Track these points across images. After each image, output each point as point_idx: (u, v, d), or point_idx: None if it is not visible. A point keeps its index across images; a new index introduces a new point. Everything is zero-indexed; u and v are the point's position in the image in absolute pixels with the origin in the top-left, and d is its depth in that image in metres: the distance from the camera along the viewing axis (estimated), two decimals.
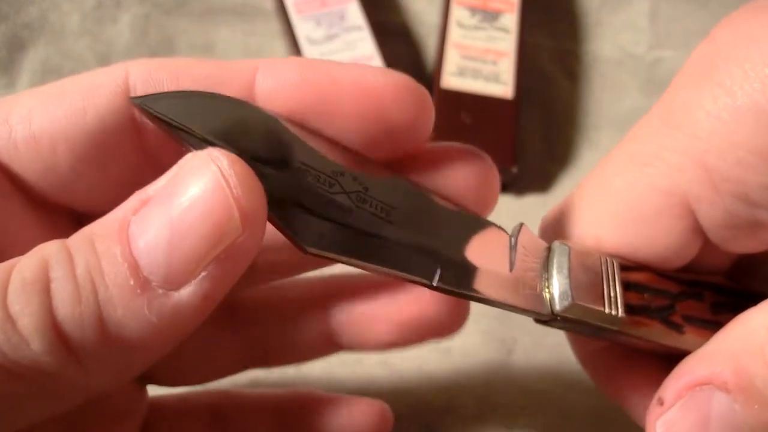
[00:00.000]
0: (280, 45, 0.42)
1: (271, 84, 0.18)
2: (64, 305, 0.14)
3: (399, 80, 0.18)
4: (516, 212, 0.38)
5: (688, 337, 0.20)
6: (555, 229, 0.22)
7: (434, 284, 0.18)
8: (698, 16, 0.46)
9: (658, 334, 0.20)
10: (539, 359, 0.33)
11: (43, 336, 0.14)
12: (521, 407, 0.31)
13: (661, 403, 0.19)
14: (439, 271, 0.18)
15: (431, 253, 0.19)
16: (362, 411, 0.24)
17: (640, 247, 0.20)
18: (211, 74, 0.18)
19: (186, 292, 0.15)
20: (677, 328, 0.20)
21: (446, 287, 0.19)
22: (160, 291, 0.15)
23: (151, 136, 0.18)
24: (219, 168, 0.15)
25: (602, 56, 0.45)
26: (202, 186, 0.15)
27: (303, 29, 0.40)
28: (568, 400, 0.31)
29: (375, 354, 0.32)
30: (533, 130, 0.41)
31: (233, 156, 0.15)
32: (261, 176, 0.16)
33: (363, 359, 0.32)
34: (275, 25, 0.43)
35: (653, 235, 0.20)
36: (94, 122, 0.18)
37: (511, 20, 0.42)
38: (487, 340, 0.33)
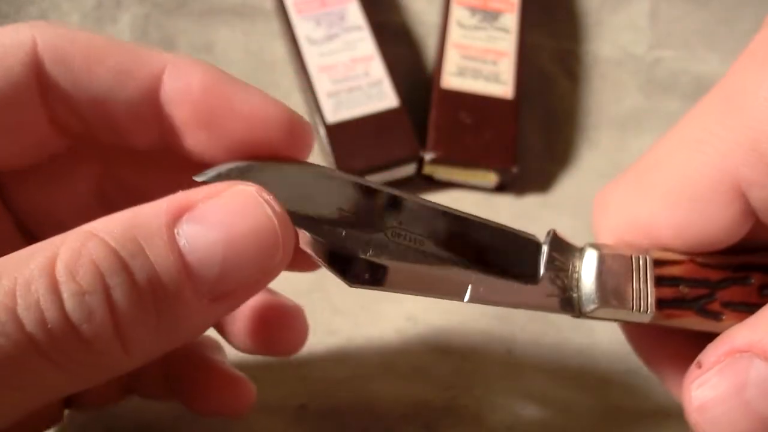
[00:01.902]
0: (280, 45, 0.42)
1: (174, 85, 0.19)
2: (126, 310, 0.16)
3: (287, 115, 0.19)
4: (516, 212, 0.38)
5: (726, 323, 0.20)
6: (609, 208, 0.23)
7: (465, 300, 0.20)
8: (698, 16, 0.46)
9: (692, 324, 0.21)
10: (539, 359, 0.33)
11: (106, 337, 0.16)
12: (521, 407, 0.31)
13: (699, 366, 0.20)
14: (469, 288, 0.20)
15: (462, 271, 0.20)
16: None
17: (692, 228, 0.21)
18: (122, 63, 0.19)
19: (222, 306, 0.18)
20: (715, 316, 0.21)
21: (477, 301, 0.20)
22: (206, 302, 0.17)
23: (60, 105, 0.19)
24: (271, 208, 0.17)
25: (602, 56, 0.45)
26: (257, 222, 0.17)
27: (303, 29, 0.40)
28: (567, 400, 0.31)
29: (375, 354, 0.32)
30: (533, 130, 0.41)
31: (274, 198, 0.18)
32: (321, 232, 0.19)
33: (363, 359, 0.32)
34: (275, 25, 0.43)
35: (705, 216, 0.20)
36: None
37: (511, 20, 0.42)
38: (487, 340, 0.33)
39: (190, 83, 0.19)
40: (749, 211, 0.20)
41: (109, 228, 0.16)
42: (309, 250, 0.19)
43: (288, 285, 0.34)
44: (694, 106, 0.21)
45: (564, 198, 0.39)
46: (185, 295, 0.17)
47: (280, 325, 0.25)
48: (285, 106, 0.19)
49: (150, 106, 0.19)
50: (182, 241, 0.16)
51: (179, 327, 0.17)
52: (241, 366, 0.31)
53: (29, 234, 0.22)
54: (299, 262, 0.23)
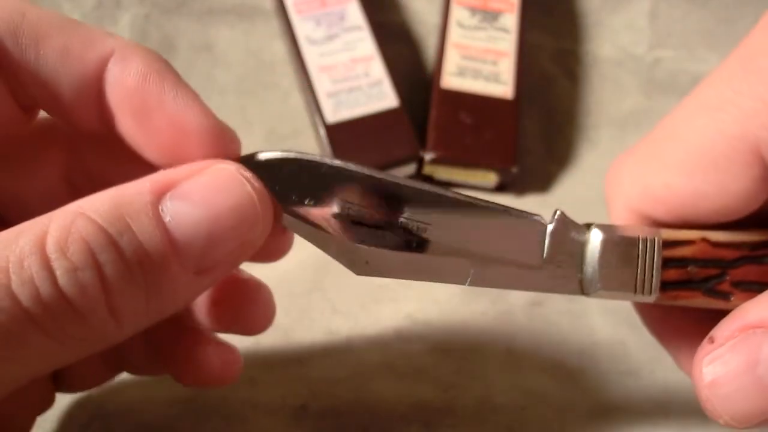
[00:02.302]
0: (280, 45, 0.42)
1: (116, 75, 0.19)
2: (117, 285, 0.17)
3: (211, 123, 0.20)
4: None
5: (735, 303, 0.20)
6: (624, 175, 0.22)
7: (467, 285, 0.20)
8: (698, 16, 0.46)
9: (699, 303, 0.21)
10: (539, 359, 0.33)
11: (99, 310, 0.17)
12: (521, 407, 0.31)
13: (711, 341, 0.19)
14: (471, 272, 0.20)
15: (464, 256, 0.20)
16: None
17: (708, 196, 0.20)
18: (70, 42, 0.19)
19: (206, 278, 0.19)
20: (723, 296, 0.21)
21: (480, 284, 0.20)
22: (191, 275, 0.18)
23: (13, 79, 0.19)
24: (251, 185, 0.18)
25: (602, 56, 0.45)
26: (238, 198, 0.18)
27: (303, 29, 0.40)
28: (567, 400, 0.31)
29: (375, 354, 0.32)
30: (533, 130, 0.41)
31: (253, 176, 0.19)
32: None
33: (363, 359, 0.32)
34: (275, 25, 0.43)
35: (722, 183, 0.20)
36: None
37: (511, 20, 0.42)
38: (487, 340, 0.33)
39: (129, 70, 0.19)
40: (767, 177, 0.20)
41: (96, 206, 0.17)
42: (289, 227, 0.20)
43: (288, 285, 0.34)
44: (709, 74, 0.21)
45: (564, 198, 0.39)
46: (172, 268, 0.17)
47: (243, 301, 0.25)
48: (213, 117, 0.20)
49: (93, 90, 0.20)
50: (167, 218, 0.17)
51: (167, 299, 0.18)
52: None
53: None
54: (276, 244, 0.24)
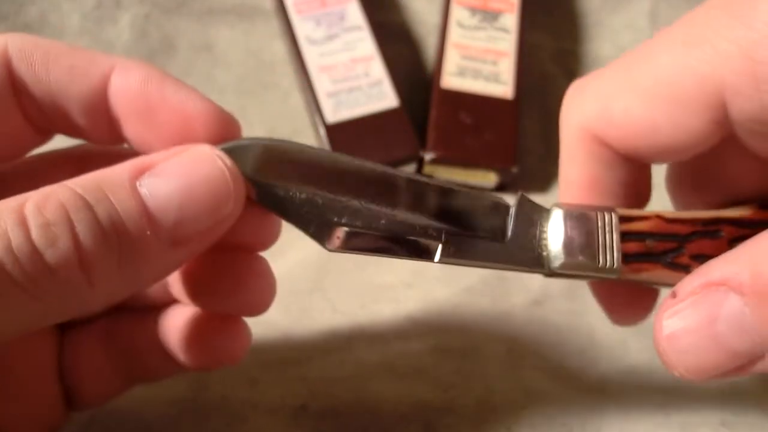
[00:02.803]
0: (280, 45, 0.42)
1: (119, 84, 0.21)
2: (89, 244, 0.18)
3: (214, 110, 0.22)
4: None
5: None
6: (584, 95, 0.23)
7: (436, 261, 0.21)
8: None
9: (661, 277, 0.21)
10: (539, 359, 0.33)
11: (70, 266, 0.17)
12: (521, 407, 0.31)
13: (674, 296, 0.20)
14: (440, 249, 0.21)
15: (432, 233, 0.21)
16: None
17: (662, 127, 0.21)
18: (75, 62, 0.21)
19: (181, 251, 0.20)
20: (684, 269, 0.21)
21: (448, 261, 0.21)
22: (165, 246, 0.19)
23: (26, 99, 0.21)
24: (223, 162, 0.20)
25: (602, 56, 0.45)
26: (210, 173, 0.19)
27: (303, 29, 0.40)
28: (567, 400, 0.31)
29: (375, 354, 0.32)
30: (533, 130, 0.41)
31: (226, 155, 0.20)
32: (290, 198, 0.21)
33: (363, 359, 0.32)
34: (275, 25, 0.43)
35: (679, 119, 0.20)
36: None
37: (511, 20, 0.42)
38: (487, 340, 0.33)
39: (131, 77, 0.21)
40: (723, 122, 0.20)
41: (77, 181, 0.18)
42: (264, 205, 0.21)
43: (288, 285, 0.34)
44: (692, 10, 0.21)
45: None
46: (146, 237, 0.18)
47: (241, 275, 0.25)
48: (212, 103, 0.22)
49: (100, 102, 0.21)
50: (143, 190, 0.19)
51: (142, 268, 0.19)
52: (241, 366, 0.31)
53: None
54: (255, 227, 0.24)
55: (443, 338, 0.33)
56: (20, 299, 0.17)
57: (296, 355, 0.32)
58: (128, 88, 0.21)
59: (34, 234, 0.17)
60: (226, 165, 0.20)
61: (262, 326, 0.32)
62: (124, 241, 0.18)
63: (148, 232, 0.18)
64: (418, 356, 0.32)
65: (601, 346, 0.33)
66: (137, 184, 0.19)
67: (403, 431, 0.30)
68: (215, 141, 0.21)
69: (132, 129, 0.22)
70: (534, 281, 0.35)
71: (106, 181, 0.18)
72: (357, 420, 0.30)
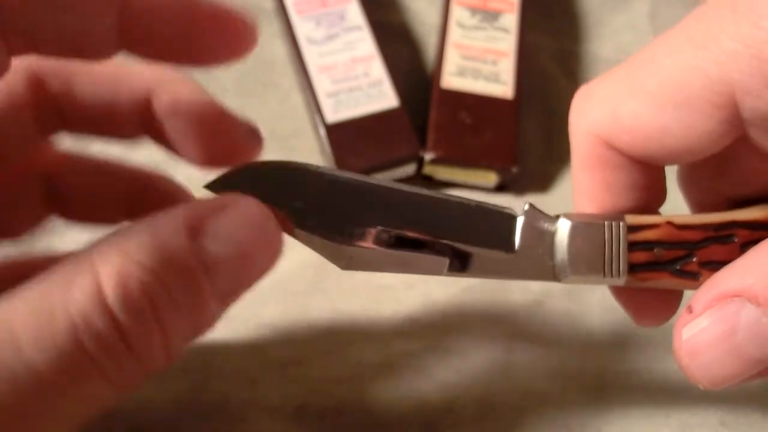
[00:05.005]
0: (280, 45, 0.42)
1: (166, 99, 0.23)
2: (170, 326, 0.18)
3: (249, 126, 0.24)
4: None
5: (703, 282, 0.21)
6: (591, 100, 0.23)
7: (444, 274, 0.22)
8: None
9: (668, 284, 0.21)
10: (539, 359, 0.33)
11: (157, 352, 0.18)
12: (521, 407, 0.31)
13: (690, 311, 0.20)
14: (447, 263, 0.22)
15: (441, 248, 0.22)
16: None
17: (673, 130, 0.20)
18: (116, 71, 0.23)
19: (229, 304, 0.20)
20: (692, 276, 0.21)
21: (456, 274, 0.22)
22: (220, 305, 0.20)
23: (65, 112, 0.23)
24: (272, 220, 0.20)
25: (602, 56, 0.45)
26: (264, 235, 0.20)
27: (303, 29, 0.40)
28: (567, 400, 0.31)
29: (375, 354, 0.32)
30: (533, 130, 0.41)
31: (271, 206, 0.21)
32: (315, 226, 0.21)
33: (363, 359, 0.32)
34: (275, 25, 0.43)
35: (690, 121, 0.20)
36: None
37: (511, 20, 0.42)
38: (487, 340, 0.33)
39: (178, 97, 0.23)
40: (735, 122, 0.20)
41: (139, 250, 0.18)
42: (299, 240, 0.21)
43: (288, 285, 0.34)
44: (696, 9, 0.20)
45: (564, 198, 0.39)
46: (209, 305, 0.19)
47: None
48: (243, 119, 0.23)
49: (140, 109, 0.23)
50: (207, 258, 0.19)
51: (201, 331, 0.20)
52: (241, 366, 0.31)
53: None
54: None
55: (443, 338, 0.33)
56: (100, 385, 0.18)
57: (296, 355, 0.32)
58: (177, 105, 0.23)
59: (122, 320, 0.17)
60: (275, 220, 0.20)
61: (262, 326, 0.32)
62: (196, 313, 0.19)
63: (212, 302, 0.19)
64: (418, 356, 0.32)
65: (601, 346, 0.33)
66: (200, 250, 0.19)
67: (403, 431, 0.30)
68: (243, 150, 0.24)
69: (184, 147, 0.24)
70: (534, 281, 0.35)
71: (168, 251, 0.18)
72: (357, 420, 0.30)
